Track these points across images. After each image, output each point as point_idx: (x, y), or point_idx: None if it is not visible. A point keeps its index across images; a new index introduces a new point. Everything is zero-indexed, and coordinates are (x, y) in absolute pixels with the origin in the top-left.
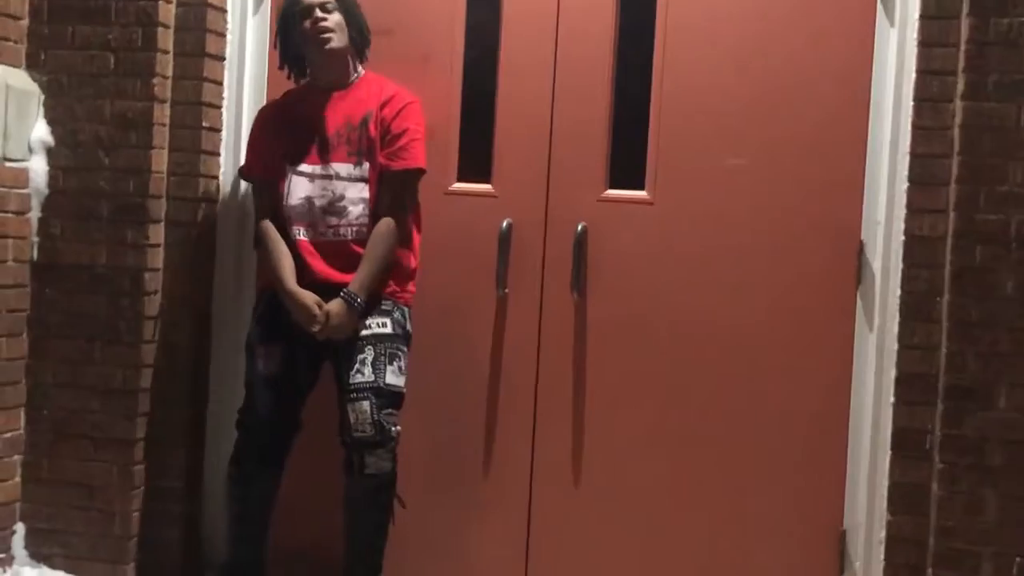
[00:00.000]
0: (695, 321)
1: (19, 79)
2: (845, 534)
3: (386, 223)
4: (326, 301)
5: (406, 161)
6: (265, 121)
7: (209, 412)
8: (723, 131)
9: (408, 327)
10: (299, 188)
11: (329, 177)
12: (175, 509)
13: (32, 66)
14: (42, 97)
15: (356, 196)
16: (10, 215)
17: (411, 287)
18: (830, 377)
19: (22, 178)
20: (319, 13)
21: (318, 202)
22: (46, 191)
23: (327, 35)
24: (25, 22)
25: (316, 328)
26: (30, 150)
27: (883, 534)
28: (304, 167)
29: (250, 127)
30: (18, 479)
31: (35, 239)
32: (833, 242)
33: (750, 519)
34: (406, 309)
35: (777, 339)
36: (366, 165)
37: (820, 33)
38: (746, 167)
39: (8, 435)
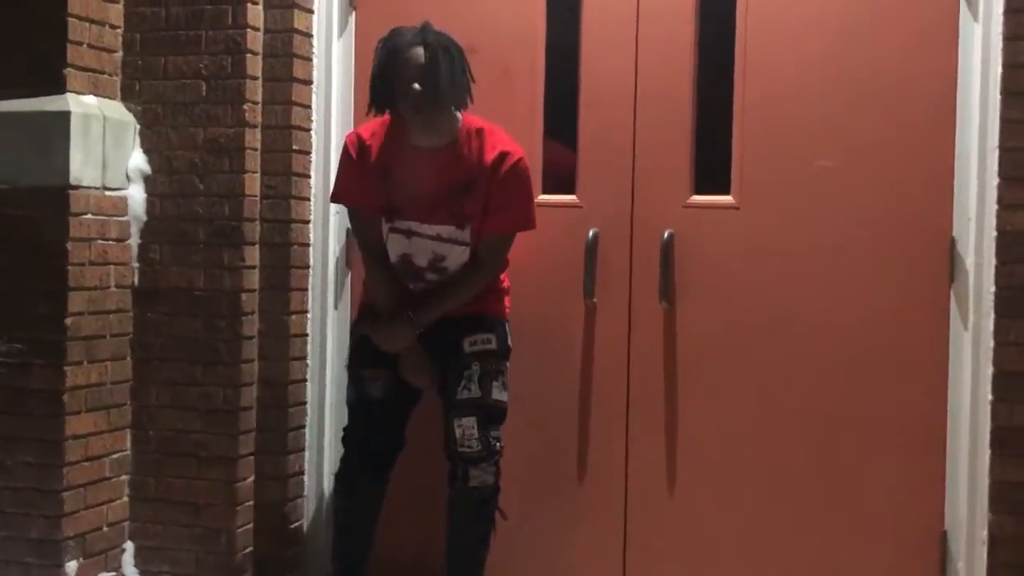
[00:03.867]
0: (786, 324)
1: (115, 110)
2: (946, 535)
3: (481, 273)
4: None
5: (511, 223)
6: (357, 153)
7: (309, 428)
8: (808, 133)
9: (509, 342)
10: (397, 245)
11: (430, 237)
12: (279, 524)
13: (127, 97)
14: (138, 127)
15: (457, 258)
16: (111, 242)
17: (507, 303)
18: (926, 376)
19: (121, 206)
20: (417, 87)
21: (417, 260)
22: (144, 218)
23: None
24: (119, 55)
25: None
26: (128, 179)
27: (985, 534)
28: (400, 224)
29: (339, 148)
30: (126, 498)
31: (135, 265)
32: (924, 240)
33: (850, 522)
34: (507, 324)
35: (870, 341)
36: (468, 228)
37: (903, 32)
38: (833, 168)
39: (116, 456)
